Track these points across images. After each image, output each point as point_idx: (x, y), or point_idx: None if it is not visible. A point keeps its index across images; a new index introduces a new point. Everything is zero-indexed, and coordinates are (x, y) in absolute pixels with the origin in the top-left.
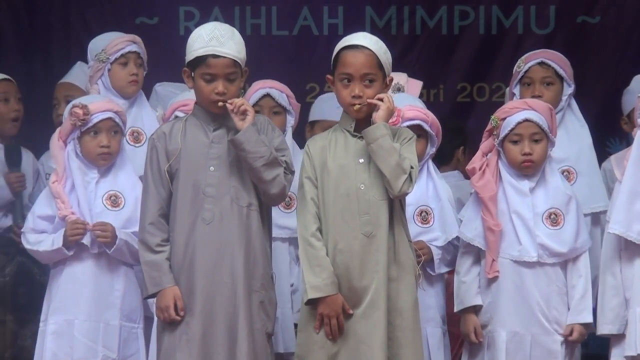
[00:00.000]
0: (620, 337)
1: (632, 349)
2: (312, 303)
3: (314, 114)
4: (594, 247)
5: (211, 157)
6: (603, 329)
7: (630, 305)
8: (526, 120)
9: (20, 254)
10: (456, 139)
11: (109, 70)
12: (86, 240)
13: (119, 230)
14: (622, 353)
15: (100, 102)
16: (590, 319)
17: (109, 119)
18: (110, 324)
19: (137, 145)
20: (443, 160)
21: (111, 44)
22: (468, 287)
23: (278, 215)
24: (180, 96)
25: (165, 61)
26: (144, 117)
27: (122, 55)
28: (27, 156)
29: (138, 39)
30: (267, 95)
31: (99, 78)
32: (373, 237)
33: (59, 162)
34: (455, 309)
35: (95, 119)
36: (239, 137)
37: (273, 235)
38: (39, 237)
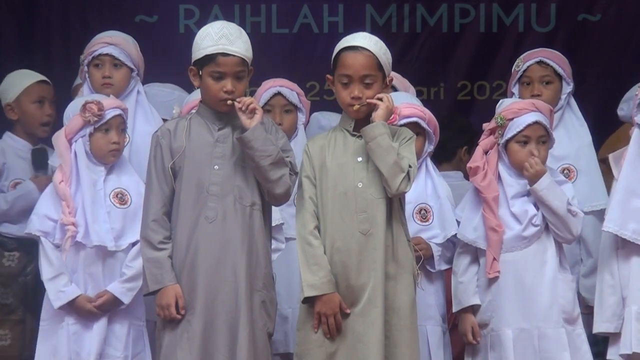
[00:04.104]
0: (617, 335)
1: (628, 348)
2: (309, 301)
3: (311, 130)
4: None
5: (215, 156)
6: (600, 327)
7: (627, 304)
8: (536, 122)
9: None
10: (461, 137)
11: (87, 73)
12: (86, 240)
13: (118, 288)
14: (619, 351)
15: (108, 100)
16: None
17: (119, 115)
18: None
19: None
20: (445, 157)
21: (88, 46)
22: (465, 287)
23: (291, 214)
24: (196, 94)
25: (164, 59)
26: (137, 118)
27: (94, 58)
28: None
29: (117, 39)
30: (278, 94)
31: (84, 81)
32: (370, 235)
33: (67, 161)
34: (454, 309)
35: (108, 115)
36: (247, 135)
37: (286, 235)
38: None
